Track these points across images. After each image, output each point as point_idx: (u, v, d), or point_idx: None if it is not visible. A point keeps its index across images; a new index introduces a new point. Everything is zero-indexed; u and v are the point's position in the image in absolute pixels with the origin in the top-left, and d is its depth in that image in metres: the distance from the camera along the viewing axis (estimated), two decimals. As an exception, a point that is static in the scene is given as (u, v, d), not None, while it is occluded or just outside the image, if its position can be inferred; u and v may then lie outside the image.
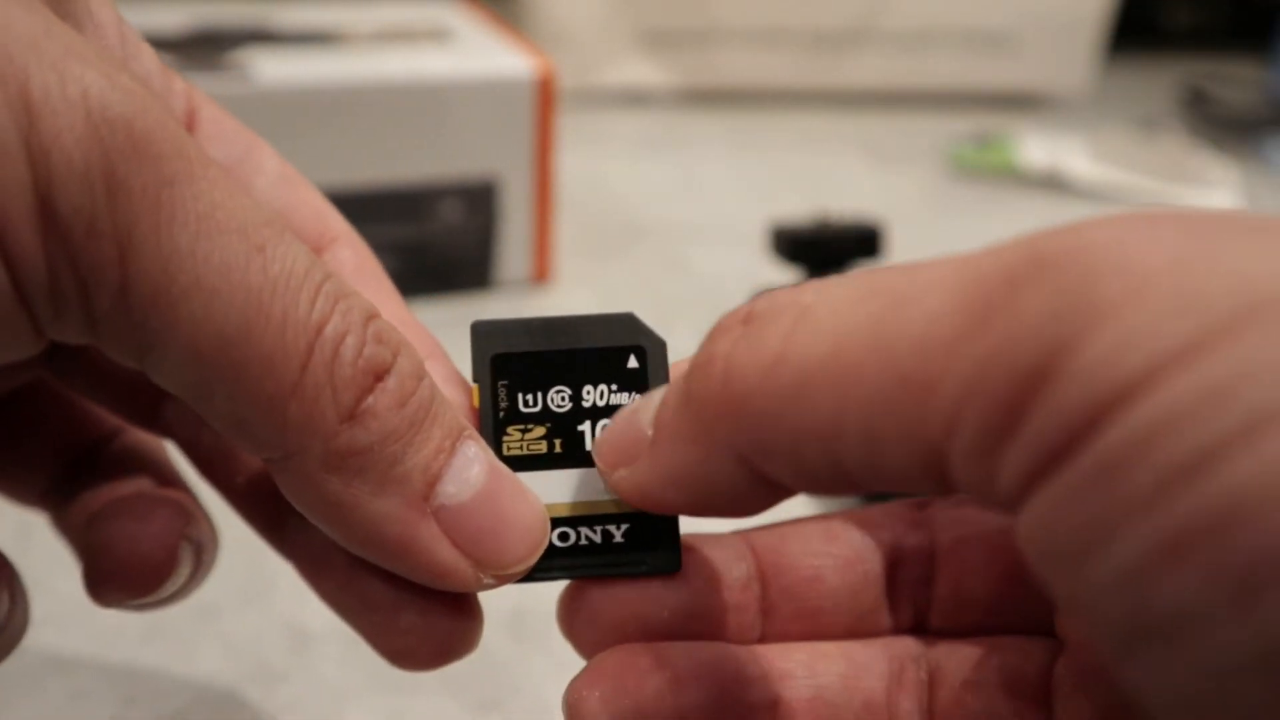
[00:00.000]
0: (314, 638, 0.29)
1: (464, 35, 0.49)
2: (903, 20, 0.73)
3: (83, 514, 0.21)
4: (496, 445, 0.19)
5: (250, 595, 0.30)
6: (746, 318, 0.16)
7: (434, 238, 0.45)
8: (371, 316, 0.17)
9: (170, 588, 0.21)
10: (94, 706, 0.27)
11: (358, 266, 0.22)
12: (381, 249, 0.45)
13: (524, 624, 0.30)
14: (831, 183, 0.63)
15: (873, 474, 0.15)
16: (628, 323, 0.20)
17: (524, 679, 0.29)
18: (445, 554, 0.18)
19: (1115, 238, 0.13)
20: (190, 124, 0.21)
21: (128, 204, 0.15)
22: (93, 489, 0.22)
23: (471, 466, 0.18)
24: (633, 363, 0.19)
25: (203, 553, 0.21)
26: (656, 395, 0.18)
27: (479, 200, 0.45)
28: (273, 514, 0.21)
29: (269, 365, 0.16)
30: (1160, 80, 0.82)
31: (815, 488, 0.16)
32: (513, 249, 0.47)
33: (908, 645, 0.20)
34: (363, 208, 0.44)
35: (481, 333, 0.20)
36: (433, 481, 0.18)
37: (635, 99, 0.74)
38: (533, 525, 0.18)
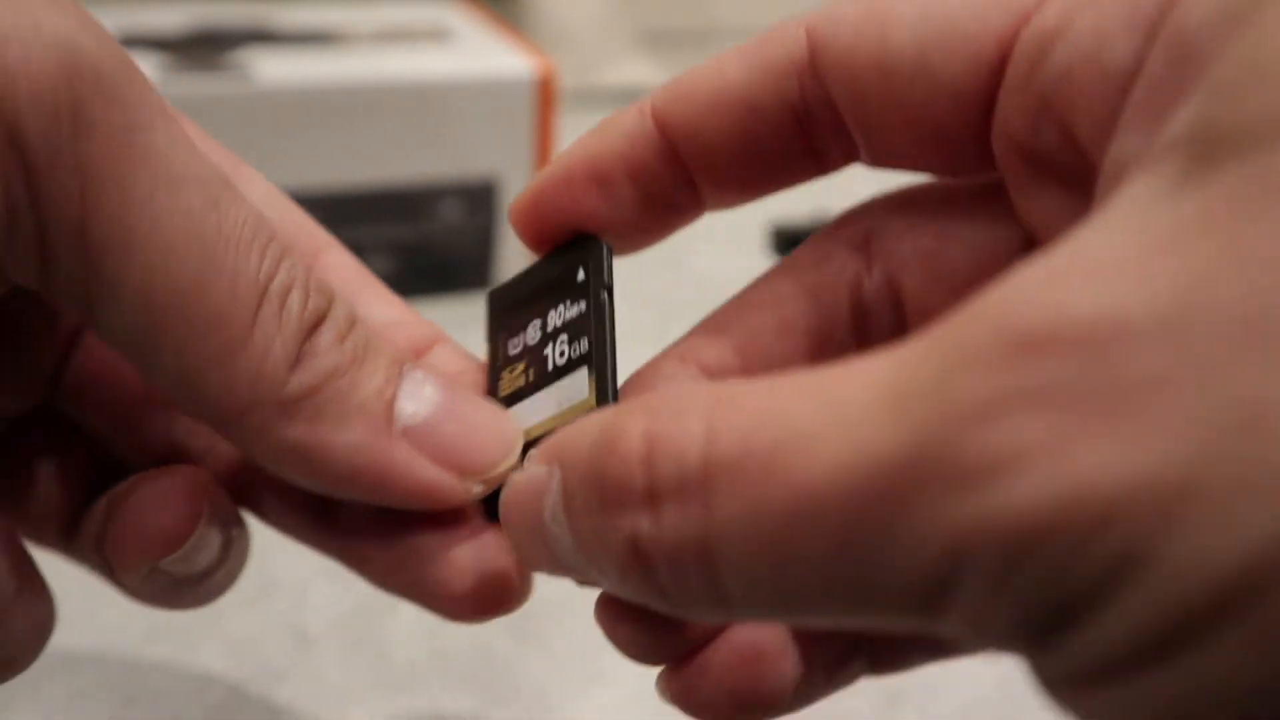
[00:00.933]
0: (314, 638, 0.29)
1: (464, 35, 0.49)
2: (903, 20, 0.73)
3: (99, 514, 0.20)
4: (496, 390, 0.20)
5: (251, 596, 0.30)
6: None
7: (434, 238, 0.45)
8: (309, 270, 0.18)
9: (200, 557, 0.20)
10: (94, 706, 0.27)
11: (354, 268, 0.22)
12: (381, 249, 0.45)
13: (524, 624, 0.30)
14: (831, 182, 0.63)
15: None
16: (581, 241, 0.20)
17: (524, 679, 0.29)
18: (425, 470, 0.18)
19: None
20: None
21: (92, 142, 0.16)
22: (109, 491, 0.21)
23: (423, 386, 0.19)
24: (580, 275, 0.20)
25: (230, 527, 0.20)
26: (556, 525, 0.15)
27: (479, 200, 0.45)
28: (307, 515, 0.21)
29: (219, 319, 0.16)
30: (1160, 80, 0.82)
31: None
32: (513, 249, 0.47)
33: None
34: (363, 208, 0.44)
35: (491, 296, 0.22)
36: (389, 404, 0.18)
37: (635, 99, 0.74)
38: (501, 424, 0.19)
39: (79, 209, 0.16)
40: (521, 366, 0.20)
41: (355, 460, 0.18)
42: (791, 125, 0.18)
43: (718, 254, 0.53)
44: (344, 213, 0.43)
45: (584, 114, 0.70)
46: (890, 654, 0.18)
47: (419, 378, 0.19)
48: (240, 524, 0.21)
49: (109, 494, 0.20)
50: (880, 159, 0.18)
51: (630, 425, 0.14)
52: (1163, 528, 0.10)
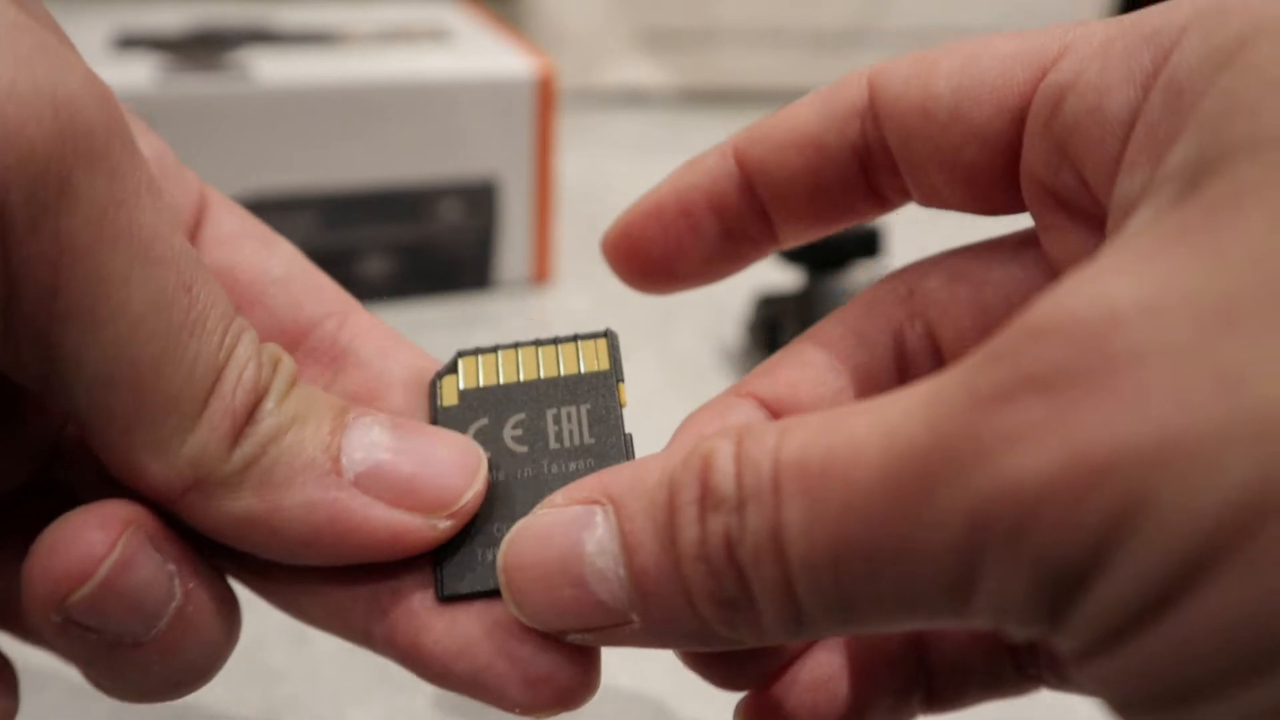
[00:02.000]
0: (314, 638, 0.29)
1: (464, 35, 0.49)
2: (903, 20, 0.73)
3: None
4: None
5: (250, 595, 0.30)
6: (738, 505, 0.15)
7: (434, 238, 0.45)
8: (263, 342, 0.18)
9: (130, 609, 0.17)
10: (94, 706, 0.27)
11: (382, 330, 0.21)
12: (381, 249, 0.45)
13: (524, 624, 0.30)
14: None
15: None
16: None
17: (524, 679, 0.29)
18: (384, 514, 0.17)
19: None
20: (202, 207, 0.21)
21: (75, 211, 0.15)
22: None
23: (370, 430, 0.18)
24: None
25: (185, 581, 0.18)
26: (604, 559, 0.16)
27: (479, 200, 0.45)
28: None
29: (173, 402, 0.16)
30: (1160, 80, 0.82)
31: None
32: (513, 249, 0.47)
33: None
34: (363, 208, 0.44)
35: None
36: (335, 455, 0.17)
37: (635, 99, 0.74)
38: (459, 451, 0.18)
39: (52, 278, 0.15)
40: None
41: (310, 519, 0.17)
42: (854, 165, 0.20)
43: (718, 254, 0.53)
44: (344, 213, 0.44)
45: (584, 114, 0.70)
46: (948, 689, 0.20)
47: (366, 422, 0.18)
48: (203, 578, 0.18)
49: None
50: (927, 197, 0.20)
51: (722, 446, 0.15)
52: (1152, 481, 0.11)
